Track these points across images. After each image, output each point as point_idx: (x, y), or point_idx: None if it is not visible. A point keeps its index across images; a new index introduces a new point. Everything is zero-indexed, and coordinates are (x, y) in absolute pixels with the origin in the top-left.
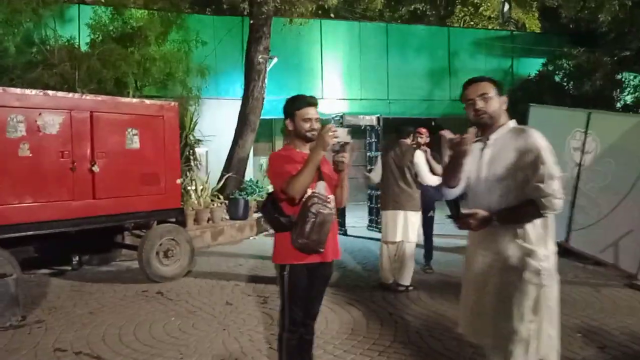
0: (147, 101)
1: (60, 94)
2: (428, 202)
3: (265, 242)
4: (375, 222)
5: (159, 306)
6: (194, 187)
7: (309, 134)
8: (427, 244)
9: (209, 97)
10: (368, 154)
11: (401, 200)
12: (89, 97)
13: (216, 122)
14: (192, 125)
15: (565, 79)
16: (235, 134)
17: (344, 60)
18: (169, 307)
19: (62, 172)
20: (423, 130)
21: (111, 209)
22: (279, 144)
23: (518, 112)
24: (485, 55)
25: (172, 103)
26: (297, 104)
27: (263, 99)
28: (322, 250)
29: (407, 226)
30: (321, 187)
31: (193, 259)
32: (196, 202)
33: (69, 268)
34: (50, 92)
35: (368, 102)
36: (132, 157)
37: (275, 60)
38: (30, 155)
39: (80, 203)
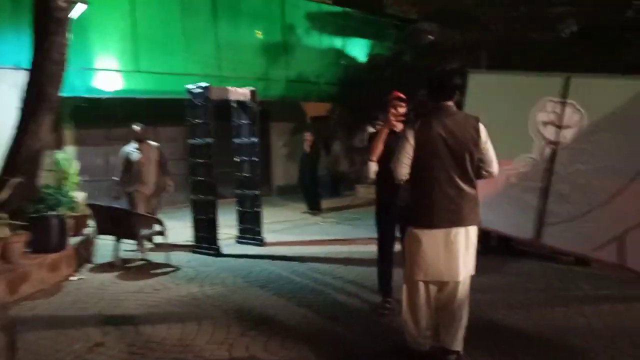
0: None
1: None
2: None
3: (102, 283)
4: (252, 231)
5: None
6: None
7: None
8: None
9: None
10: (236, 140)
11: (462, 210)
12: None
13: None
14: None
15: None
16: (22, 117)
17: (162, 22)
18: None
19: None
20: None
21: None
22: (68, 133)
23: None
24: (319, 33)
25: None
26: None
27: (64, 61)
28: None
29: (468, 251)
30: None
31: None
32: None
33: None
34: None
35: (198, 79)
36: None
37: (84, 7)
38: None
39: None
